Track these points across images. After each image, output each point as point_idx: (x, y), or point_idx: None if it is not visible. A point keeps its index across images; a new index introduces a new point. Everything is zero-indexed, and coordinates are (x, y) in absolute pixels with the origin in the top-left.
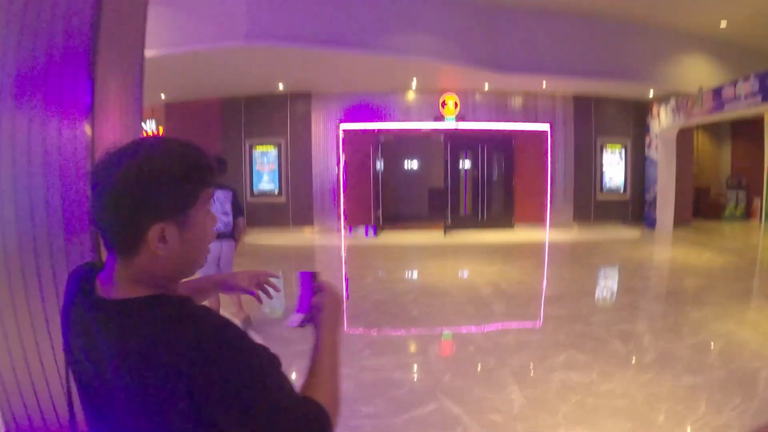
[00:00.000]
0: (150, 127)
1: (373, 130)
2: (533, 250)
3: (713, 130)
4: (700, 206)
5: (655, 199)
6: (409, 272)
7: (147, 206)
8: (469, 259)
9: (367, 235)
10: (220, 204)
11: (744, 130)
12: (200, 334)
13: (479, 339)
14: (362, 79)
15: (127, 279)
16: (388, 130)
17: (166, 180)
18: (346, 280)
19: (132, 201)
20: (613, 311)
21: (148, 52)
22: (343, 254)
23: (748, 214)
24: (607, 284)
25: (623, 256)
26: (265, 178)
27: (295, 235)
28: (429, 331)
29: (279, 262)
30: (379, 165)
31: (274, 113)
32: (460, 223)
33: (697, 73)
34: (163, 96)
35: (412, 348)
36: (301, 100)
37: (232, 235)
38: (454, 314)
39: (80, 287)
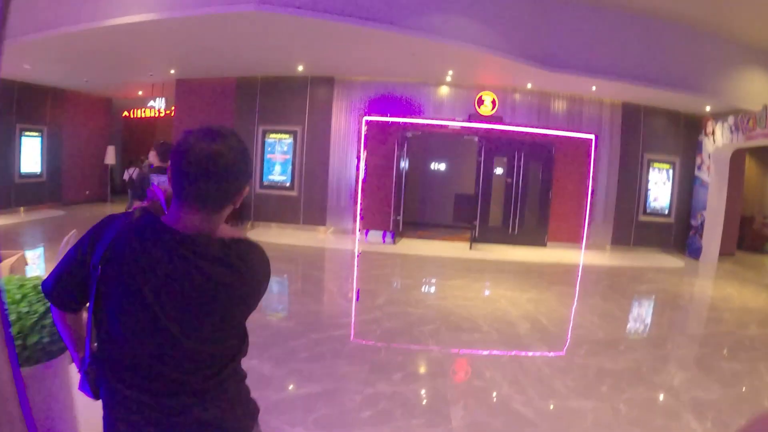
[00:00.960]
0: (159, 104)
1: (400, 124)
2: (570, 275)
3: (759, 154)
4: (743, 237)
5: (702, 225)
6: (430, 292)
7: (248, 175)
8: (499, 280)
9: (384, 240)
10: (162, 191)
11: None
12: (264, 258)
13: (517, 402)
14: (392, 65)
15: (212, 225)
16: (416, 126)
17: (250, 157)
18: (357, 295)
19: (242, 173)
20: (678, 368)
21: (151, 15)
22: (356, 262)
23: None
24: (663, 327)
25: (672, 290)
26: (277, 168)
27: (305, 234)
28: (455, 388)
29: (284, 264)
30: (404, 164)
31: (291, 98)
32: (488, 235)
33: (761, 89)
34: (172, 71)
35: (431, 407)
36: (322, 86)
37: None
38: (486, 363)
39: (132, 224)
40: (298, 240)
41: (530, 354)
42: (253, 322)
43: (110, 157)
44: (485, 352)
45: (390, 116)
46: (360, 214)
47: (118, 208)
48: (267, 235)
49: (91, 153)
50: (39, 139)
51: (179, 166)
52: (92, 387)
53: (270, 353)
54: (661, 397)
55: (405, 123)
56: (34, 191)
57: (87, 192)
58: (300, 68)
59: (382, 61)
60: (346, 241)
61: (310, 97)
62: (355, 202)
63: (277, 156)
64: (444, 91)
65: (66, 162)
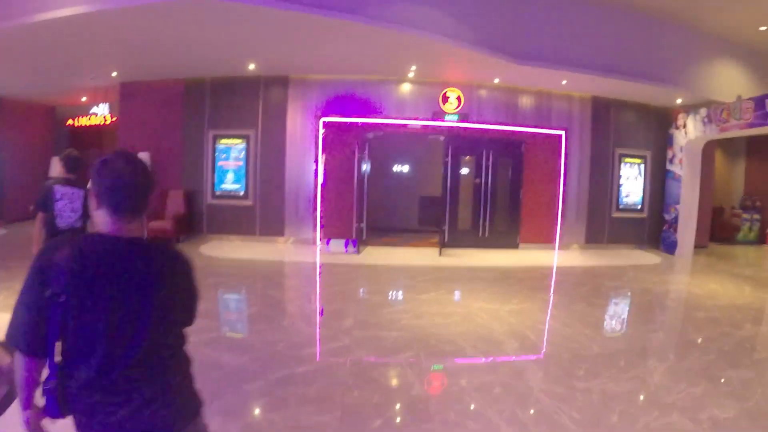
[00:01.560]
0: (102, 110)
1: (360, 125)
2: (548, 279)
3: (726, 145)
4: (714, 228)
5: (676, 219)
6: (402, 309)
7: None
8: (475, 290)
9: (347, 250)
10: (68, 201)
11: (759, 148)
12: (185, 255)
13: None
14: (351, 62)
15: (140, 228)
16: (377, 126)
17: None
18: (321, 316)
19: (154, 185)
20: (687, 383)
21: (82, 8)
22: (317, 276)
23: (762, 238)
24: (658, 334)
25: (655, 289)
26: (230, 176)
27: (262, 247)
28: None
29: (237, 282)
30: (365, 167)
31: (243, 100)
32: (457, 239)
33: (732, 81)
34: (114, 73)
35: None
36: (276, 86)
37: (83, 231)
38: (477, 397)
39: (80, 245)
40: (255, 253)
41: (525, 382)
42: (199, 361)
43: (55, 168)
44: (474, 383)
45: (349, 117)
46: (320, 222)
47: None
48: (221, 249)
49: (34, 165)
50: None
51: (113, 187)
52: (60, 403)
53: (220, 404)
54: (678, 421)
55: (365, 123)
56: None
57: (31, 207)
58: (251, 66)
59: (340, 57)
60: (307, 253)
61: (264, 99)
62: (315, 210)
63: (230, 163)
64: (406, 88)
65: (5, 176)
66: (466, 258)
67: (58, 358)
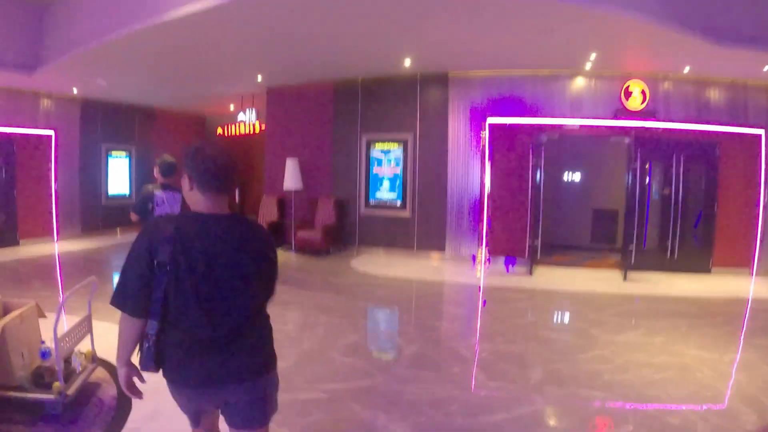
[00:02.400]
0: (249, 118)
1: (533, 126)
2: (761, 316)
3: None
4: None
5: None
6: (600, 357)
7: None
8: (681, 329)
9: (507, 269)
10: (168, 205)
11: None
12: (265, 229)
13: None
14: (518, 54)
15: (226, 205)
16: (552, 128)
17: None
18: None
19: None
20: None
21: (205, 3)
22: (484, 304)
23: None
24: None
25: None
26: (385, 184)
27: (419, 263)
28: None
29: (393, 305)
30: (540, 175)
31: (399, 101)
32: (643, 261)
33: None
34: (259, 78)
35: None
36: (434, 85)
37: None
38: None
39: (186, 222)
40: (410, 271)
41: None
42: (347, 420)
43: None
44: None
45: (518, 117)
46: (486, 237)
47: None
48: (374, 265)
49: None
50: (127, 159)
51: (205, 171)
52: (155, 359)
53: None
54: None
55: (539, 125)
56: (123, 213)
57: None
58: (407, 63)
59: (506, 48)
60: (470, 272)
61: (421, 99)
62: (480, 224)
63: (385, 170)
64: (581, 83)
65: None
66: (656, 284)
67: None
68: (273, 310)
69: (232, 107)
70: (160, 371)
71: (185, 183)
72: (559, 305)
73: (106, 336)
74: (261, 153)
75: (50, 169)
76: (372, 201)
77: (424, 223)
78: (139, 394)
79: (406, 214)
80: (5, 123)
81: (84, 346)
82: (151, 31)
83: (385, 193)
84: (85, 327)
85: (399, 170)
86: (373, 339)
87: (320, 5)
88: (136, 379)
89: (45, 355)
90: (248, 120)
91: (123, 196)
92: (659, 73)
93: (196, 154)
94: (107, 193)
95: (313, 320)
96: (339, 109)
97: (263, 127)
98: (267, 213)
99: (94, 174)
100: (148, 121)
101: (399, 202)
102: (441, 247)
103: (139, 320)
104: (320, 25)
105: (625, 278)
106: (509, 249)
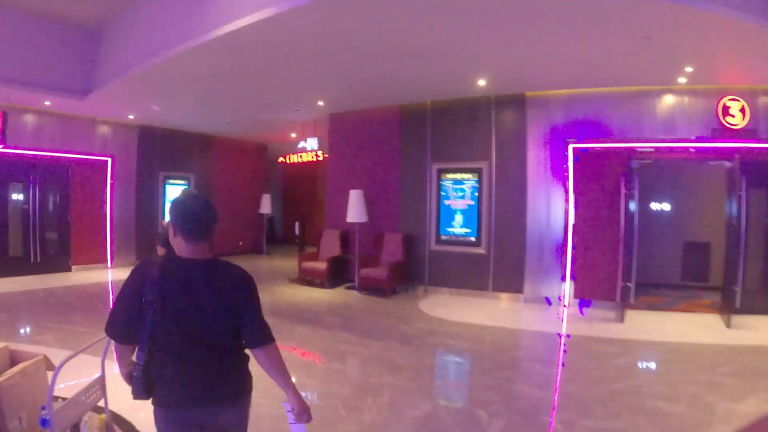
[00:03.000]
0: (311, 145)
1: (622, 151)
2: None
3: None
4: None
5: None
6: None
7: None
8: None
9: (582, 311)
10: None
11: None
12: (245, 272)
13: None
14: (602, 69)
15: (207, 251)
16: (644, 153)
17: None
18: None
19: (216, 215)
20: None
21: (269, 11)
22: (569, 362)
23: None
24: None
25: None
26: (458, 218)
27: (493, 306)
28: None
29: (469, 363)
30: (633, 207)
31: (472, 127)
32: (747, 303)
33: None
34: (321, 103)
35: None
36: (510, 107)
37: None
38: None
39: (170, 265)
40: (486, 315)
41: None
42: None
43: (266, 206)
44: None
45: (605, 141)
46: (571, 277)
47: (277, 262)
48: (446, 308)
49: (245, 202)
50: (185, 186)
51: (185, 220)
52: (145, 386)
53: None
54: None
55: (628, 149)
56: None
57: (240, 243)
58: (481, 83)
59: (592, 61)
60: (553, 318)
61: (497, 123)
62: (563, 262)
63: (458, 202)
64: (669, 101)
65: (216, 212)
66: (762, 331)
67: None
68: (331, 365)
69: (293, 135)
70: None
71: (170, 230)
72: (660, 362)
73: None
74: (323, 183)
75: (106, 195)
76: (443, 236)
77: (500, 260)
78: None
79: (480, 250)
80: (61, 148)
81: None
82: (195, 52)
83: (457, 228)
84: (96, 390)
85: (473, 202)
86: (449, 410)
87: (386, 21)
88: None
89: (45, 423)
90: (310, 148)
91: None
92: (757, 87)
93: (179, 205)
94: (164, 220)
95: (376, 381)
96: (406, 136)
97: (324, 156)
98: (328, 247)
99: (151, 201)
100: (206, 148)
101: (473, 238)
102: (519, 288)
103: (129, 345)
104: (386, 42)
105: (728, 325)
106: (597, 291)
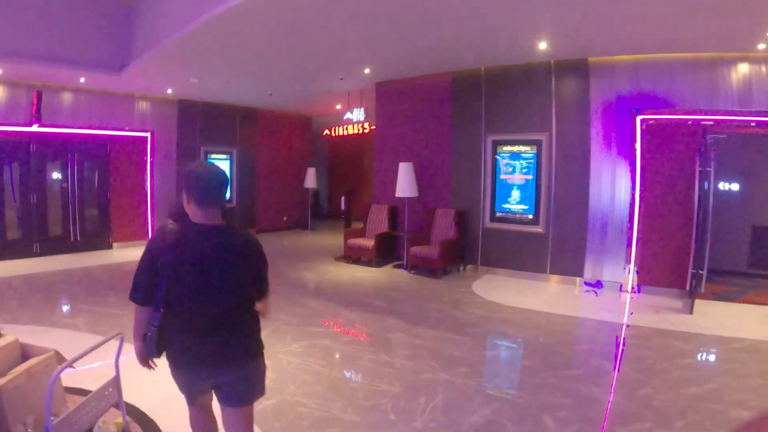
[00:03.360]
0: (357, 116)
1: (695, 124)
2: None
3: None
4: None
5: None
6: None
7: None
8: None
9: (640, 298)
10: None
11: None
12: (255, 238)
13: None
14: (673, 33)
15: (218, 216)
16: (720, 124)
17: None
18: None
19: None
20: None
21: None
22: (639, 360)
23: None
24: None
25: None
26: (515, 193)
27: (553, 290)
28: None
29: (529, 353)
30: (708, 186)
31: (530, 95)
32: None
33: None
34: (367, 70)
35: None
36: (571, 73)
37: None
38: None
39: (184, 231)
40: (545, 300)
41: None
42: None
43: (311, 180)
44: None
45: (676, 111)
46: (636, 261)
47: (323, 238)
48: (501, 291)
49: (289, 177)
50: (227, 161)
51: (198, 188)
52: (157, 346)
53: None
54: None
55: (703, 122)
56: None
57: (285, 219)
58: (542, 47)
59: (664, 22)
60: (616, 305)
61: (557, 92)
62: (629, 244)
63: (515, 176)
64: (746, 69)
65: (260, 186)
66: None
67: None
68: (379, 356)
69: (338, 107)
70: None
71: (184, 198)
72: (740, 363)
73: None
74: (370, 156)
75: (146, 171)
76: (498, 213)
77: (559, 240)
78: (149, 366)
79: (538, 229)
80: (100, 125)
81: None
82: (225, 17)
83: (514, 204)
84: (111, 392)
85: (531, 177)
86: (512, 416)
87: None
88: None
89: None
90: (356, 119)
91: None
92: None
93: (191, 175)
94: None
95: (429, 378)
96: (459, 105)
97: (371, 128)
98: (376, 224)
99: None
100: (250, 121)
101: (530, 215)
102: (578, 271)
103: (146, 309)
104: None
105: None
106: (664, 277)
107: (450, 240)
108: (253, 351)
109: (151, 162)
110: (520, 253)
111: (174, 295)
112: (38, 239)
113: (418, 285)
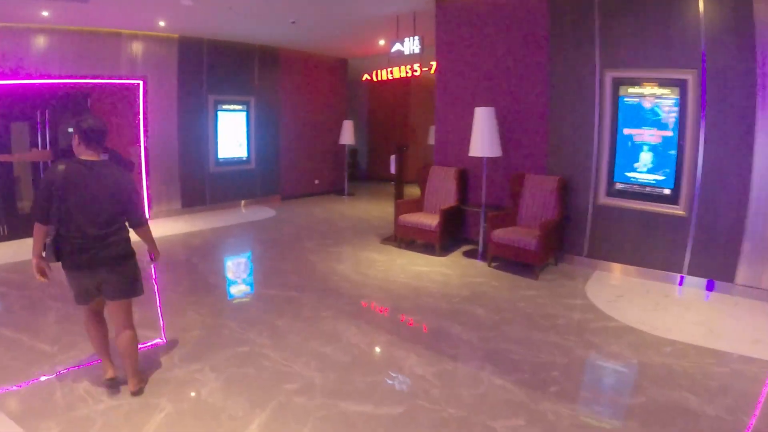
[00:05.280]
0: (411, 47)
1: None
2: None
3: None
4: None
5: None
6: None
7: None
8: None
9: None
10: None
11: None
12: (128, 174)
13: None
14: None
15: (99, 154)
16: None
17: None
18: None
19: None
20: None
21: None
22: None
23: None
24: None
25: None
26: (644, 156)
27: (694, 300)
28: None
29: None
30: None
31: (667, 13)
32: None
33: None
34: None
35: None
36: None
37: None
38: None
39: (71, 166)
40: (694, 320)
41: None
42: None
43: (347, 135)
44: None
45: None
46: None
47: (362, 207)
48: (622, 301)
49: (321, 132)
50: (244, 114)
51: (87, 130)
52: (55, 253)
53: None
54: None
55: None
56: (240, 183)
57: (316, 182)
58: None
59: None
60: None
61: (708, 8)
62: None
63: (646, 132)
64: None
65: (284, 143)
66: None
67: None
68: None
69: (382, 42)
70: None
71: (75, 140)
72: None
73: None
74: (418, 106)
75: (138, 129)
76: (619, 184)
77: (706, 227)
78: (45, 277)
79: (678, 210)
80: (77, 73)
81: None
82: None
83: (643, 172)
84: None
85: (671, 134)
86: None
87: None
88: (44, 266)
89: None
90: (408, 51)
91: (239, 161)
92: None
93: (81, 122)
94: (217, 157)
95: None
96: (560, 28)
97: (425, 69)
98: (438, 193)
99: (198, 134)
100: (270, 65)
101: (667, 190)
102: (728, 272)
103: (44, 226)
104: None
105: None
106: None
107: (552, 222)
108: (124, 255)
109: (144, 117)
110: (646, 243)
111: (66, 213)
112: (5, 220)
113: (510, 291)
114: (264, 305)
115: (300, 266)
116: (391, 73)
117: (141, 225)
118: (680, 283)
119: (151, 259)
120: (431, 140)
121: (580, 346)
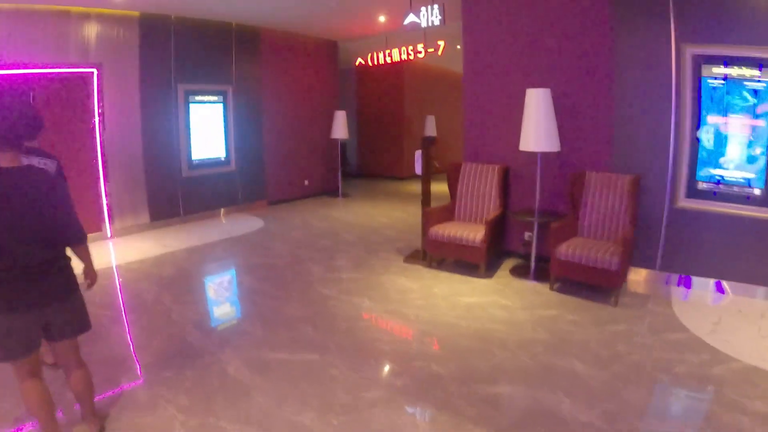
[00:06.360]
0: (429, 17)
1: None
2: None
3: None
4: None
5: None
6: None
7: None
8: None
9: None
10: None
11: None
12: (52, 176)
13: None
14: None
15: (17, 159)
16: None
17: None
18: None
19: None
20: None
21: None
22: None
23: None
24: None
25: None
26: (732, 150)
27: None
28: None
29: None
30: None
31: None
32: None
33: None
34: None
35: None
36: None
37: None
38: None
39: None
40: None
41: None
42: None
43: (340, 128)
44: None
45: None
46: None
47: (362, 212)
48: (723, 328)
49: (309, 125)
50: (221, 106)
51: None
52: None
53: None
54: None
55: None
56: (219, 188)
57: (306, 182)
58: None
59: None
60: None
61: None
62: None
63: (735, 119)
64: None
65: (269, 139)
66: None
67: None
68: None
69: (382, 19)
70: None
71: None
72: None
73: None
74: (420, 94)
75: (92, 127)
76: (702, 183)
77: None
78: None
79: (765, 213)
80: (15, 62)
81: None
82: None
83: (730, 169)
84: None
85: (764, 123)
86: None
87: None
88: None
89: None
90: (426, 24)
91: (216, 162)
92: None
93: None
94: (190, 158)
95: None
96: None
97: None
98: (475, 198)
99: (167, 131)
100: (250, 47)
101: (758, 190)
102: None
103: None
104: None
105: None
106: None
107: (630, 234)
108: (75, 282)
109: (99, 112)
110: (731, 253)
111: None
112: None
113: (596, 327)
114: (273, 385)
115: (311, 307)
116: (390, 55)
117: (82, 241)
118: None
119: (89, 283)
120: (428, 131)
121: (724, 407)
